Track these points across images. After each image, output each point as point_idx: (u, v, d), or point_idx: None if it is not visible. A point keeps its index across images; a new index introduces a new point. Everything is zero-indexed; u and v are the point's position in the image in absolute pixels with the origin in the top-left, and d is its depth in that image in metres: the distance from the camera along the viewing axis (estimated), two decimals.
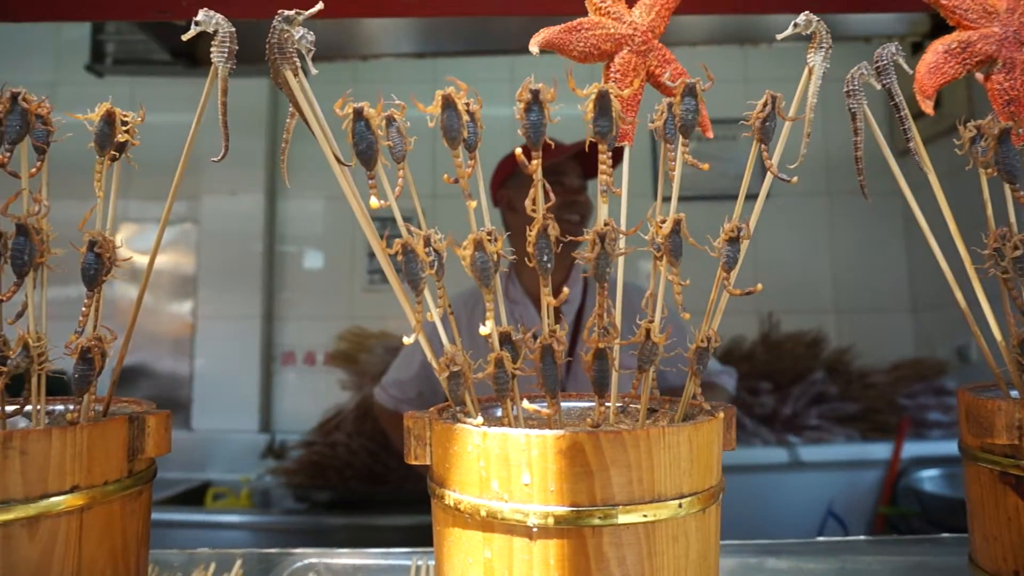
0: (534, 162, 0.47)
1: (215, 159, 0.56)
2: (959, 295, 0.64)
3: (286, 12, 0.50)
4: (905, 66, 0.61)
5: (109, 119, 0.56)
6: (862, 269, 3.47)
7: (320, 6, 0.51)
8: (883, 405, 3.01)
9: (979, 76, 0.70)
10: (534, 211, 0.50)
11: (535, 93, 0.47)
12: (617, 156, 0.64)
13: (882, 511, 2.76)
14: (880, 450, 2.81)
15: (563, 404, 0.67)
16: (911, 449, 2.78)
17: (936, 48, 0.70)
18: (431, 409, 0.57)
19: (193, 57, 2.15)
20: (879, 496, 2.80)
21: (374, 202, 0.49)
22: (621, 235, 0.57)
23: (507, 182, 1.90)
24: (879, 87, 0.61)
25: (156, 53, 2.41)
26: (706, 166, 0.50)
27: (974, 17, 0.69)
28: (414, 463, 0.54)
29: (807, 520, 2.79)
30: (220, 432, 3.33)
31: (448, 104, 0.47)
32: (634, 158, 0.62)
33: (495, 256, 0.49)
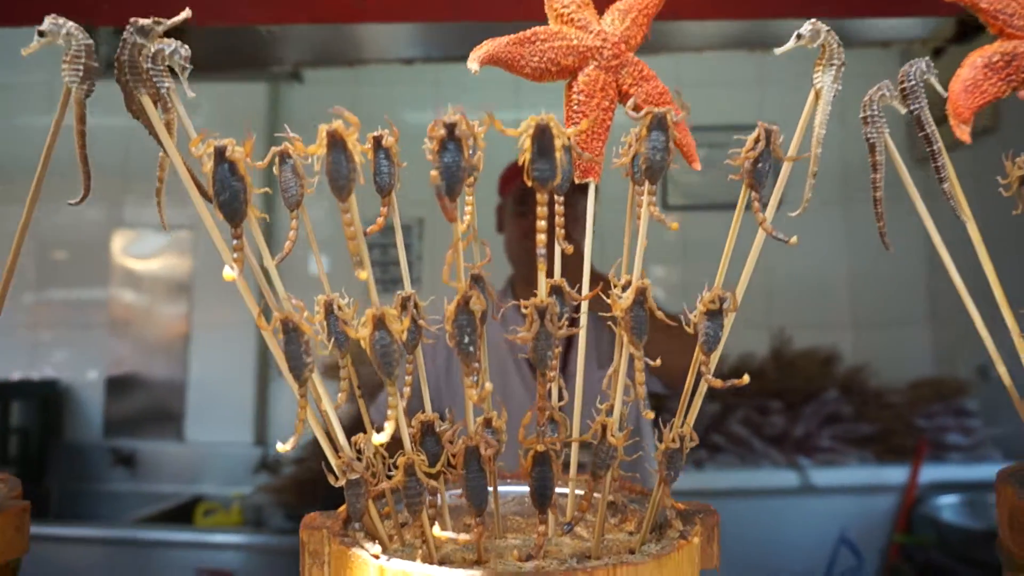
0: (454, 211, 0.36)
1: (72, 202, 0.45)
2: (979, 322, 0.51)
3: (140, 21, 0.39)
4: (939, 87, 0.49)
5: None
6: (879, 282, 3.35)
7: (187, 13, 0.40)
8: (900, 426, 2.89)
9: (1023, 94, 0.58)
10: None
11: (450, 128, 0.36)
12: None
13: (898, 540, 2.64)
14: (896, 474, 2.71)
15: (513, 490, 0.56)
16: (929, 474, 2.67)
17: (974, 62, 0.58)
18: (337, 513, 0.46)
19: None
20: (895, 524, 2.68)
21: (228, 273, 0.37)
22: (577, 300, 0.45)
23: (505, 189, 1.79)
24: (904, 111, 0.49)
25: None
26: (675, 226, 0.38)
27: (1021, 24, 0.57)
28: None
29: (818, 549, 2.68)
30: (213, 444, 3.26)
31: (334, 144, 0.35)
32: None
33: (401, 335, 0.37)
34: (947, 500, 2.61)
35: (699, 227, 3.44)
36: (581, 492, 0.49)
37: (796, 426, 2.87)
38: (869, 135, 0.49)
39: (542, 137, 0.37)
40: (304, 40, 2.01)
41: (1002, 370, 0.53)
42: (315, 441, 0.43)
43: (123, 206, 3.36)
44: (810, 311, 3.33)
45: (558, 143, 0.37)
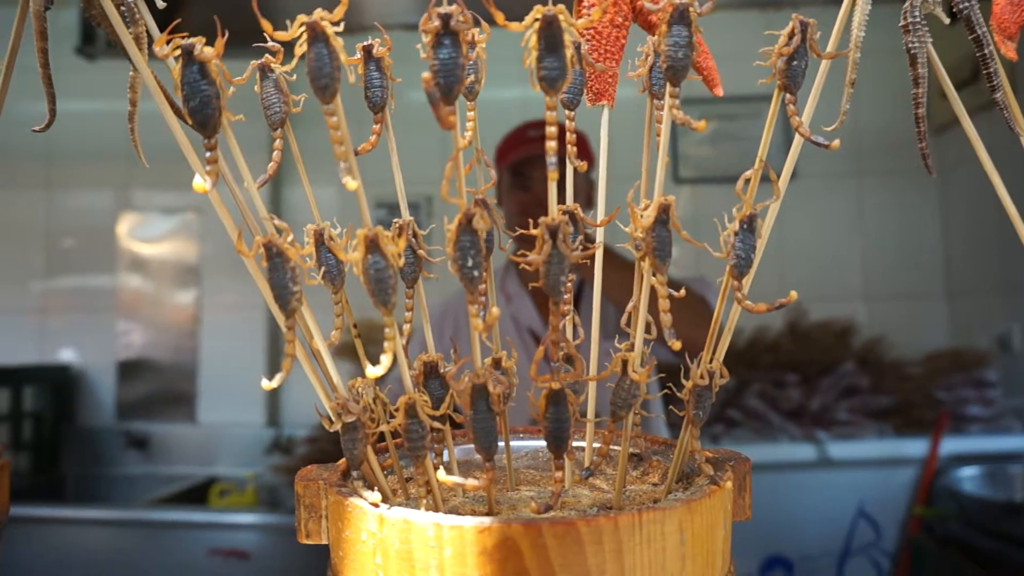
0: (451, 117, 0.32)
1: (37, 128, 0.41)
2: None
3: None
4: None
5: None
6: (894, 253, 3.30)
7: None
8: (918, 398, 2.86)
9: None
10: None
11: (445, 19, 0.31)
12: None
13: (917, 513, 2.61)
14: (915, 447, 2.67)
15: (527, 444, 0.52)
16: (949, 446, 2.63)
17: None
18: (335, 466, 0.42)
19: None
20: (914, 496, 2.65)
21: (199, 183, 0.33)
22: (593, 227, 0.41)
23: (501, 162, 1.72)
24: (947, 20, 0.44)
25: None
26: (701, 124, 0.33)
27: None
28: (306, 542, 0.40)
29: (836, 523, 2.66)
30: (226, 426, 3.27)
31: (316, 37, 0.31)
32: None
33: (398, 259, 0.33)
34: (968, 472, 2.58)
35: (710, 201, 3.39)
36: (598, 445, 0.45)
37: (813, 399, 2.84)
38: (911, 44, 0.44)
39: (549, 29, 0.33)
40: (300, 8, 1.95)
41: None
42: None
43: (129, 189, 3.34)
44: (825, 283, 3.29)
45: (567, 39, 0.33)
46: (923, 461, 2.64)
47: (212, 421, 3.26)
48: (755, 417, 2.83)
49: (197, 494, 2.88)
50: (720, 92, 0.51)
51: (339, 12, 0.30)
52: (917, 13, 0.45)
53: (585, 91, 0.46)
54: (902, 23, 0.46)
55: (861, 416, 2.81)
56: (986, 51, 0.42)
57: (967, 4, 0.42)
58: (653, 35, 0.47)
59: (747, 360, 2.94)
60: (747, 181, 0.35)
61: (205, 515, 2.49)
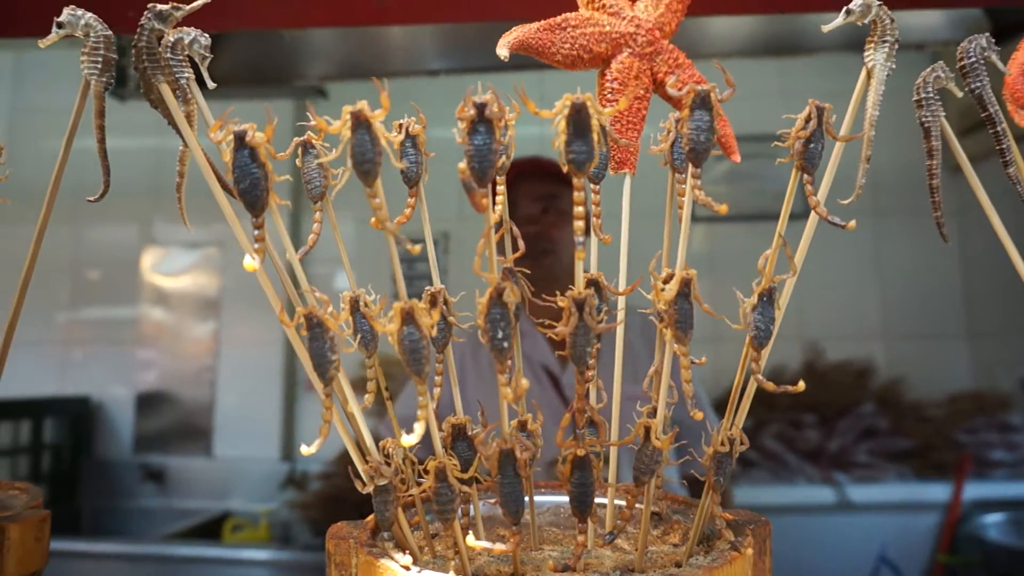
0: (484, 200, 0.34)
1: (91, 198, 0.43)
2: None
3: (158, 7, 0.37)
4: (1000, 64, 0.45)
5: None
6: (913, 293, 3.27)
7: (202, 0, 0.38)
8: (940, 441, 2.81)
9: None
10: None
11: (480, 108, 0.34)
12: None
13: (941, 560, 2.55)
14: (937, 491, 2.62)
15: (548, 499, 0.53)
16: (973, 491, 2.58)
17: None
18: (365, 523, 0.44)
19: (212, 79, 2.08)
20: (937, 543, 2.59)
21: (249, 263, 0.35)
22: (615, 295, 0.43)
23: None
24: (960, 93, 0.46)
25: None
26: (723, 208, 0.35)
27: None
28: None
29: (857, 568, 2.60)
30: (241, 460, 3.27)
31: (359, 124, 0.33)
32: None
33: (431, 330, 0.35)
34: (993, 518, 2.52)
35: (725, 239, 3.39)
36: (622, 503, 0.46)
37: (831, 441, 2.80)
38: (924, 119, 0.46)
39: (578, 116, 0.35)
40: (328, 54, 2.02)
41: None
42: (342, 456, 0.41)
43: (153, 224, 3.41)
44: (843, 323, 3.26)
45: (594, 123, 0.35)
46: (945, 506, 2.59)
47: (228, 455, 3.27)
48: (772, 458, 2.80)
49: (211, 528, 2.88)
50: (737, 159, 0.53)
51: (383, 109, 0.33)
52: (930, 89, 0.46)
53: (610, 160, 0.48)
54: (915, 98, 0.47)
55: (881, 458, 2.77)
56: (999, 128, 0.43)
57: (979, 84, 0.43)
58: (673, 106, 0.49)
59: (764, 400, 2.92)
60: (767, 258, 0.37)
61: (218, 551, 2.49)
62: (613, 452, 0.44)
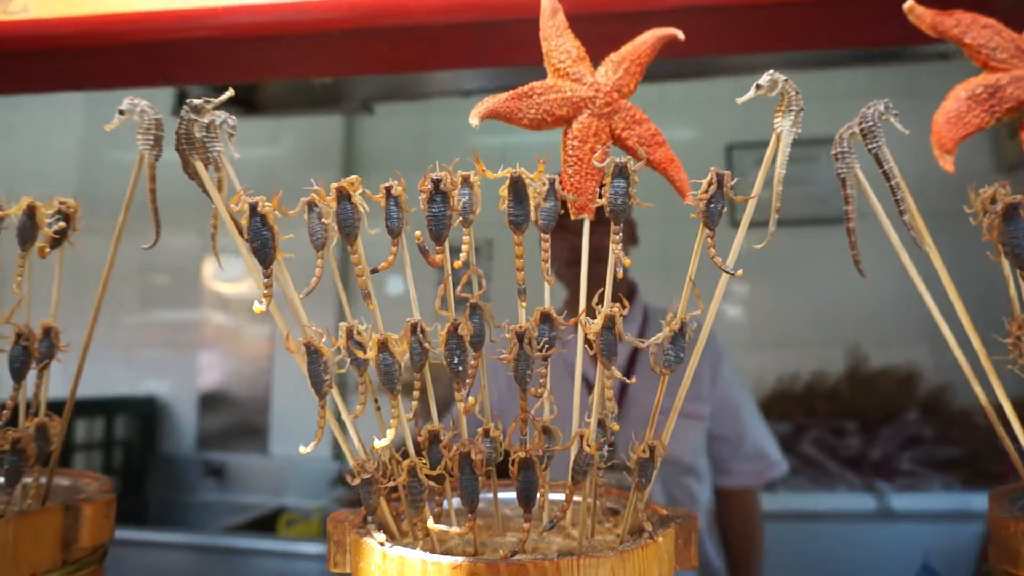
0: (439, 258, 0.43)
1: (146, 246, 0.55)
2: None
3: (194, 101, 0.48)
4: (898, 125, 0.52)
5: (30, 213, 0.56)
6: (960, 297, 3.18)
7: (230, 92, 0.49)
8: (987, 450, 2.74)
9: None
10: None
11: (436, 182, 0.43)
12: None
13: (985, 570, 2.50)
14: (984, 501, 2.56)
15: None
16: None
17: (958, 94, 0.60)
18: (360, 510, 0.54)
19: (252, 103, 2.26)
20: (981, 553, 2.55)
21: (257, 306, 0.45)
22: (560, 325, 0.51)
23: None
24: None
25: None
26: (628, 262, 0.44)
27: (1004, 57, 0.60)
28: (334, 571, 0.51)
29: None
30: (295, 458, 3.42)
31: (342, 197, 0.43)
32: None
33: (403, 357, 0.44)
34: None
35: (773, 242, 3.38)
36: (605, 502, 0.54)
37: (873, 448, 2.77)
38: (840, 170, 0.53)
39: (516, 187, 0.44)
40: (371, 79, 2.16)
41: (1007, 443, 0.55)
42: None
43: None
44: (887, 328, 3.20)
45: (531, 191, 0.44)
46: None
47: (283, 453, 3.42)
48: (811, 464, 2.79)
49: (267, 522, 3.03)
50: (688, 200, 0.60)
51: (358, 183, 0.43)
52: (845, 144, 0.54)
53: (570, 206, 0.57)
54: (833, 151, 0.55)
55: (925, 467, 2.73)
56: (892, 182, 0.50)
57: (875, 144, 0.51)
58: (631, 156, 0.57)
59: (804, 406, 2.91)
60: (681, 300, 0.45)
61: (273, 543, 2.62)
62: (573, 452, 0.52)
